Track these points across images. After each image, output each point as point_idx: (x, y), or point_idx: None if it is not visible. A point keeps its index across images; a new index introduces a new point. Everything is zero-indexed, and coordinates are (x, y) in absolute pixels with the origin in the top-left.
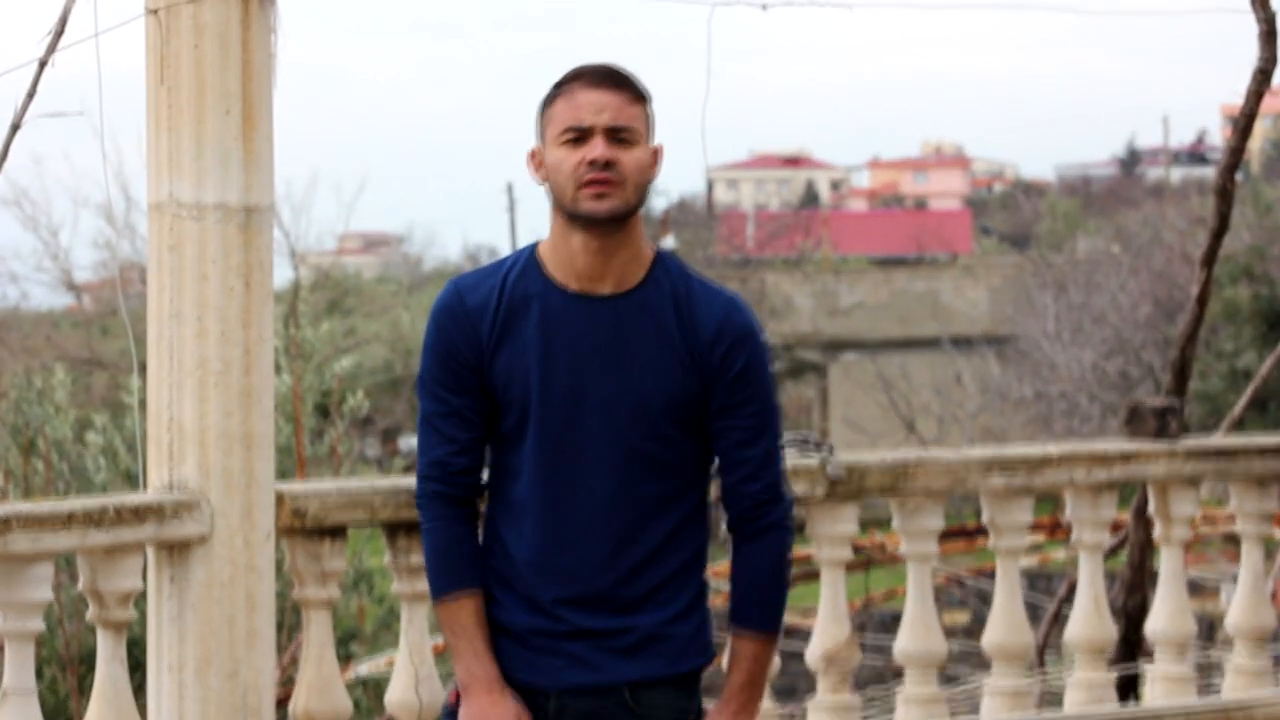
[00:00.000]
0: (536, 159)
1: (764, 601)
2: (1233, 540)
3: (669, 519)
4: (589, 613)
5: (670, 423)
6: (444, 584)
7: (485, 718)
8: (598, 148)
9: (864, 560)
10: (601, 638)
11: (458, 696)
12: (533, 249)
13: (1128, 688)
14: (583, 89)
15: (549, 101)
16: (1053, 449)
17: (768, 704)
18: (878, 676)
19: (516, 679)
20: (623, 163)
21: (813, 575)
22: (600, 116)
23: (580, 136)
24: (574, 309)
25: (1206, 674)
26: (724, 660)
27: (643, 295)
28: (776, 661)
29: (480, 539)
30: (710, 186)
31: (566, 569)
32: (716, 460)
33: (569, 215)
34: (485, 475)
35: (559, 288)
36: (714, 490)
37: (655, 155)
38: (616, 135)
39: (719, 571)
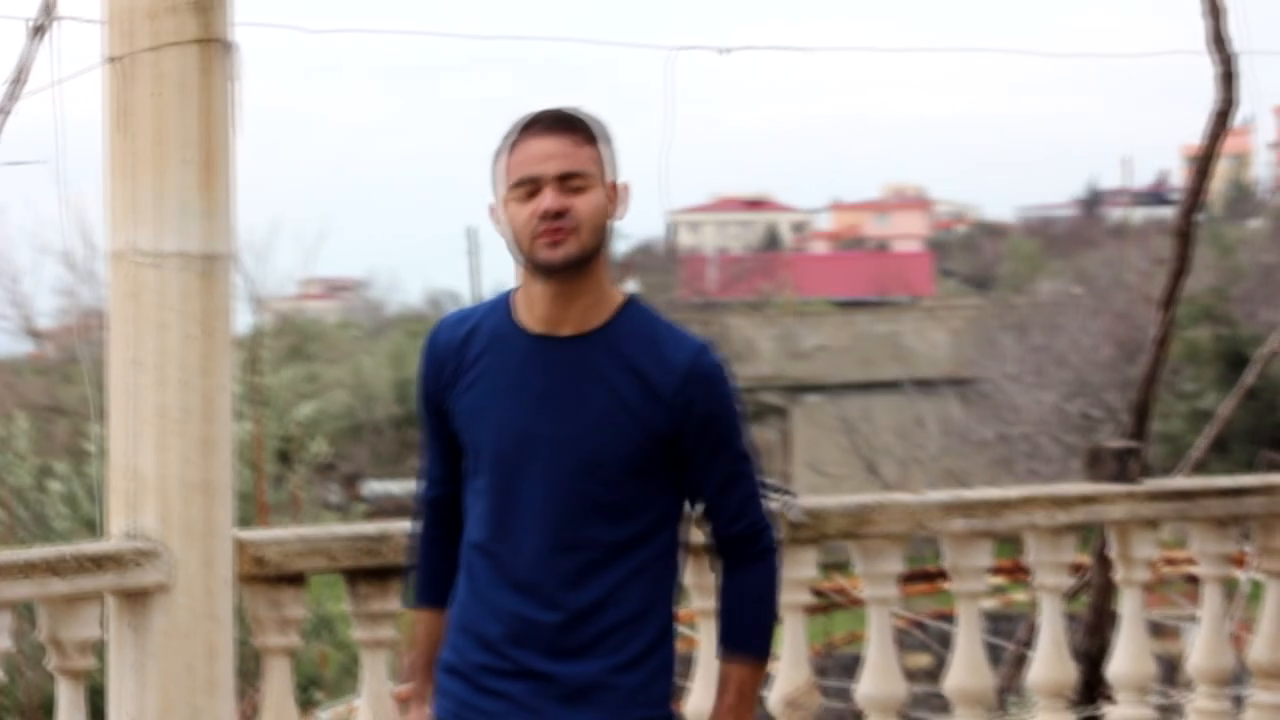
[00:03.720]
0: (495, 214)
1: (751, 626)
2: (1194, 582)
3: (621, 567)
4: (534, 654)
5: (623, 468)
6: (412, 598)
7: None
8: (547, 198)
9: (826, 604)
10: (545, 681)
11: None
12: (509, 294)
13: None
14: (531, 138)
15: (499, 154)
16: (1012, 492)
17: None
18: None
19: None
20: (575, 209)
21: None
22: (548, 165)
23: (532, 189)
24: (533, 351)
25: (1168, 716)
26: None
27: (605, 337)
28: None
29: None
30: (672, 230)
31: (512, 610)
32: (696, 504)
33: (530, 265)
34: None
35: (522, 330)
36: (690, 530)
37: (616, 192)
38: (567, 182)
39: (688, 615)
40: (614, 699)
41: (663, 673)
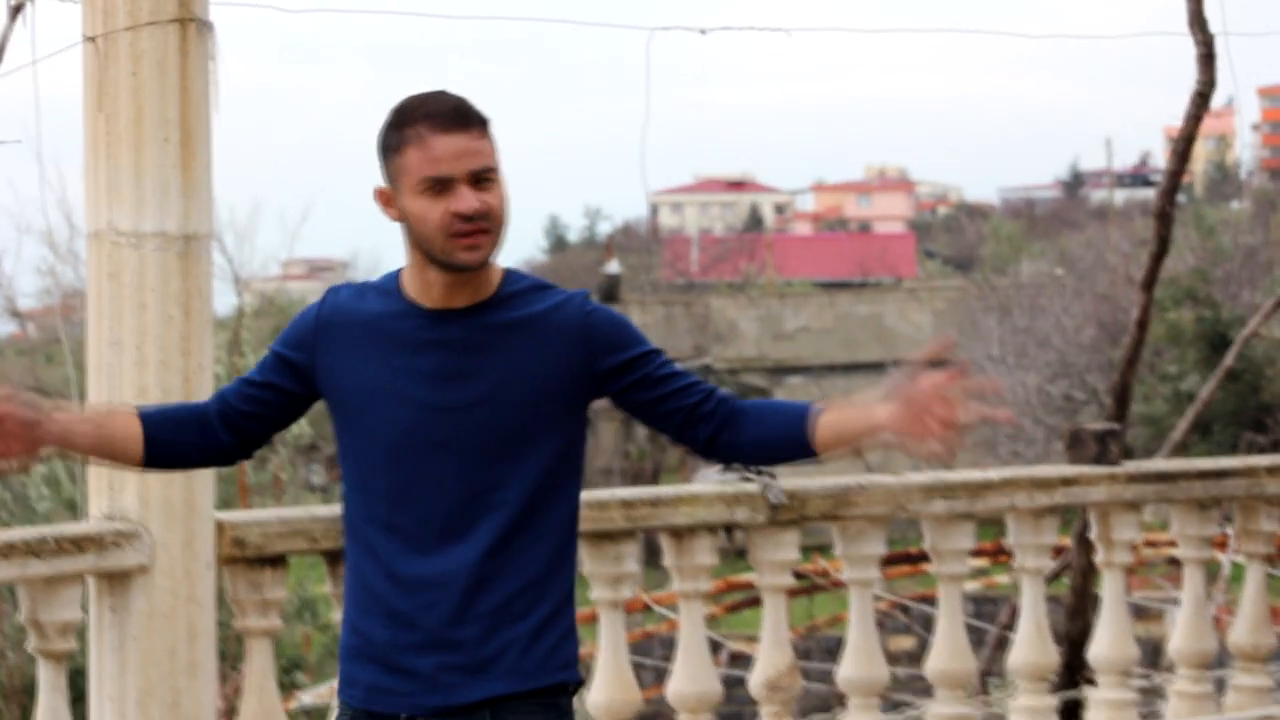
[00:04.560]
0: (385, 198)
1: (792, 405)
2: (1176, 564)
3: (529, 528)
4: (444, 622)
5: (530, 426)
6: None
7: None
8: (467, 199)
9: (807, 586)
10: (457, 650)
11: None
12: (397, 273)
13: (1071, 713)
14: (433, 133)
15: (396, 146)
16: (993, 474)
17: None
18: (823, 703)
19: (374, 710)
20: (492, 208)
21: (755, 601)
22: (460, 164)
23: (443, 187)
24: (429, 325)
25: (1150, 698)
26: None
27: (497, 302)
28: None
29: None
30: (654, 211)
31: (422, 578)
32: (666, 424)
33: (437, 262)
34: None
35: (416, 306)
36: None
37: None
38: (477, 178)
39: (669, 598)
40: (525, 664)
41: (568, 637)
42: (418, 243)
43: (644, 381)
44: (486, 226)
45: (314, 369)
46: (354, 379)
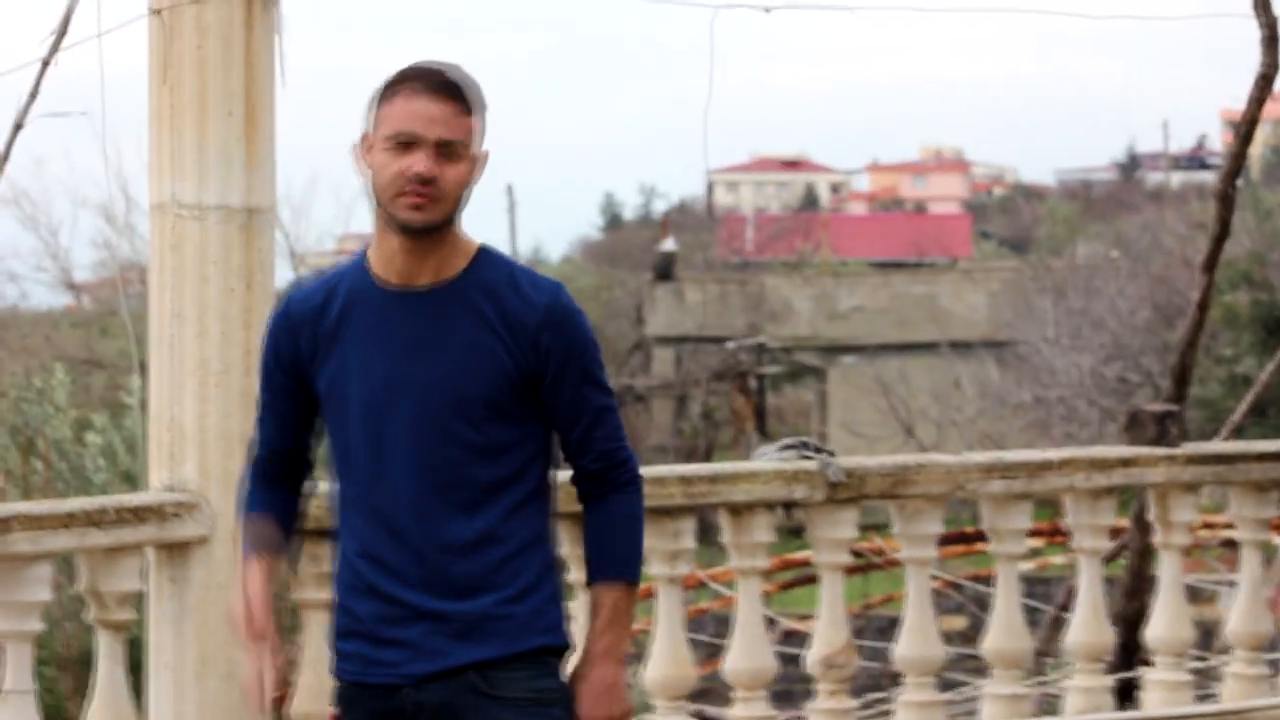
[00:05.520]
0: (366, 146)
1: (616, 552)
2: (1232, 546)
3: (500, 503)
4: (426, 595)
5: (491, 407)
6: (247, 548)
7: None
8: (421, 162)
9: (863, 565)
10: (441, 620)
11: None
12: (363, 252)
13: (1126, 693)
14: (417, 95)
15: (382, 98)
16: (1053, 454)
17: (766, 709)
18: (876, 682)
19: (368, 682)
20: (444, 178)
21: (812, 579)
22: (430, 129)
23: (407, 144)
24: (393, 304)
25: (1205, 681)
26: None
27: (462, 284)
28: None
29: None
30: (710, 189)
31: (398, 556)
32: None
33: (387, 217)
34: (310, 469)
35: (380, 286)
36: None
37: (478, 162)
38: (442, 148)
39: (726, 574)
40: (508, 629)
41: (552, 601)
42: (376, 198)
43: (558, 404)
44: (433, 194)
45: (305, 366)
46: (332, 362)
